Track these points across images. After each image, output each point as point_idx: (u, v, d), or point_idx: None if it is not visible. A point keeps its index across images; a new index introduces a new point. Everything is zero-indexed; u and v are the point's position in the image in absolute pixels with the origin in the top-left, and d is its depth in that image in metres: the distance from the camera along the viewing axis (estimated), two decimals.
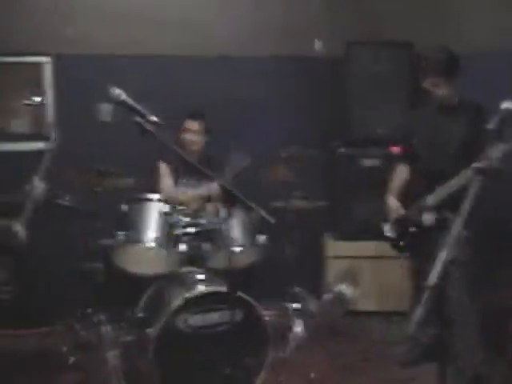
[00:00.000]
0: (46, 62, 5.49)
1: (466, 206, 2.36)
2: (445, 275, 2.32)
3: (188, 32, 5.54)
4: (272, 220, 3.06)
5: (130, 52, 5.43)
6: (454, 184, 3.87)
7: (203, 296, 3.82)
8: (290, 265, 4.68)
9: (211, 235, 4.09)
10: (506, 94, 2.70)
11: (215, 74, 5.56)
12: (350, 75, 5.55)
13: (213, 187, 4.54)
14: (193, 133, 4.81)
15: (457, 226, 2.34)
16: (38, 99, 4.52)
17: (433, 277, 2.21)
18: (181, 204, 4.23)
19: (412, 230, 4.18)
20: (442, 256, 2.27)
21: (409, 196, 4.31)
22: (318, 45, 5.67)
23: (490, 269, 4.52)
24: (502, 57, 4.82)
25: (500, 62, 4.83)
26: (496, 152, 2.60)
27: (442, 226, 3.86)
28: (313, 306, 4.89)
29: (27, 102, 4.49)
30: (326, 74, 5.69)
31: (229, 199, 2.93)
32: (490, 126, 2.55)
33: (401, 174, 4.49)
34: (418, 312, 2.19)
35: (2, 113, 5.50)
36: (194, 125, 4.82)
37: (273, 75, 5.66)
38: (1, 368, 4.25)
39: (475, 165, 2.53)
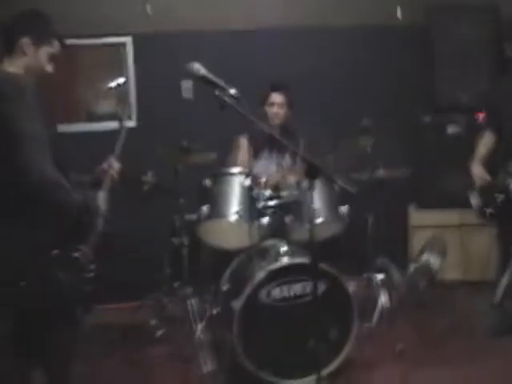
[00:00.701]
0: (127, 42, 5.57)
1: None
2: None
3: (270, 4, 5.53)
4: (353, 190, 3.02)
5: (209, 27, 5.46)
6: None
7: (286, 268, 3.84)
8: (375, 235, 4.64)
9: (293, 207, 4.10)
10: None
11: (296, 46, 5.56)
12: (432, 42, 5.44)
13: (294, 160, 4.54)
14: (276, 105, 4.76)
15: None
16: (121, 80, 4.60)
17: None
18: (263, 178, 4.26)
19: (499, 196, 4.09)
20: None
21: (495, 163, 4.22)
22: (398, 12, 5.56)
23: None
24: None
25: None
26: None
27: None
28: (398, 276, 4.85)
29: (111, 84, 4.58)
30: (408, 42, 5.57)
31: (310, 171, 2.90)
32: None
33: (486, 141, 4.39)
34: (505, 280, 2.13)
35: (87, 94, 5.63)
36: (277, 97, 4.77)
37: (353, 45, 5.60)
38: (97, 341, 4.39)
39: None
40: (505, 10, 5.19)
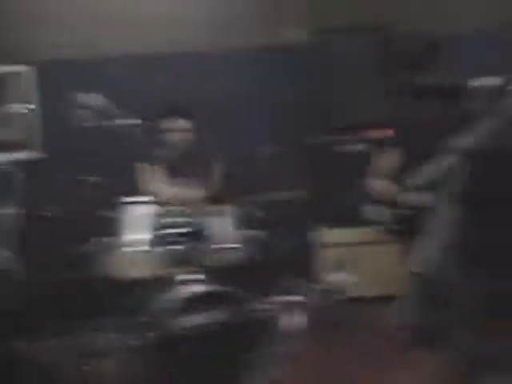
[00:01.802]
0: (28, 70, 5.46)
1: (452, 185, 2.33)
2: (435, 259, 2.29)
3: (162, 29, 5.50)
4: (261, 214, 3.03)
5: (110, 53, 5.38)
6: (441, 164, 3.88)
7: (197, 296, 3.79)
8: (284, 257, 4.66)
9: (201, 234, 4.07)
10: (491, 72, 2.67)
11: (190, 71, 5.55)
12: (330, 62, 5.52)
13: (201, 186, 4.51)
14: (180, 132, 4.72)
15: (445, 207, 2.31)
16: (23, 108, 4.49)
17: (424, 264, 2.18)
18: (169, 204, 4.21)
19: (402, 212, 4.18)
20: (431, 240, 2.23)
21: (398, 179, 4.30)
22: (291, 33, 5.61)
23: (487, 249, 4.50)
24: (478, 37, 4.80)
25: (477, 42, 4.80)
26: (478, 131, 2.58)
27: (430, 206, 3.88)
28: (309, 296, 4.88)
29: (13, 111, 4.46)
30: (306, 63, 5.62)
31: (217, 197, 2.89)
32: (472, 105, 2.53)
33: (386, 157, 4.48)
34: (411, 297, 2.16)
35: None
36: (181, 123, 4.71)
37: (249, 67, 5.62)
38: None
39: (458, 145, 2.51)
40: (401, 30, 5.31)
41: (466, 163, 2.39)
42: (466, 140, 2.48)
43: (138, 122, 2.83)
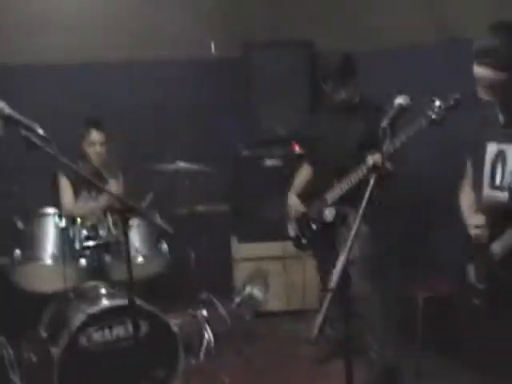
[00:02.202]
0: None
1: (364, 201, 2.36)
2: (346, 274, 2.31)
3: (81, 37, 5.37)
4: (170, 229, 3.01)
5: (21, 61, 5.22)
6: (352, 178, 3.94)
7: (106, 310, 3.73)
8: (198, 270, 4.63)
9: (112, 247, 4.01)
10: (402, 90, 2.72)
11: (110, 82, 5.41)
12: (250, 76, 5.53)
13: (112, 198, 4.44)
14: (95, 144, 4.60)
15: (355, 222, 2.33)
16: None
17: (334, 279, 2.19)
18: (80, 217, 4.12)
19: (313, 227, 4.22)
20: (342, 256, 2.25)
21: (311, 194, 4.34)
22: (213, 47, 5.61)
23: (397, 262, 4.60)
24: (399, 53, 4.89)
25: (398, 59, 4.90)
26: (388, 148, 2.63)
27: (342, 222, 3.93)
28: (223, 310, 4.86)
29: None
30: (227, 76, 5.61)
31: (128, 210, 2.84)
32: (383, 123, 2.57)
33: (302, 172, 4.52)
34: (321, 312, 2.17)
35: None
36: (96, 136, 4.60)
37: (172, 80, 5.55)
38: None
39: (368, 161, 2.55)
40: (319, 45, 5.37)
41: (373, 179, 2.42)
42: (375, 155, 2.52)
43: (46, 134, 2.73)
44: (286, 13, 5.70)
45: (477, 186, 3.01)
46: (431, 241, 4.56)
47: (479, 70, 2.75)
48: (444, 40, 4.31)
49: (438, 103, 2.79)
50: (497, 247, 2.82)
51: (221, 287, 5.11)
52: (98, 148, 4.58)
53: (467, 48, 2.83)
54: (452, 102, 2.80)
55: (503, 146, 2.85)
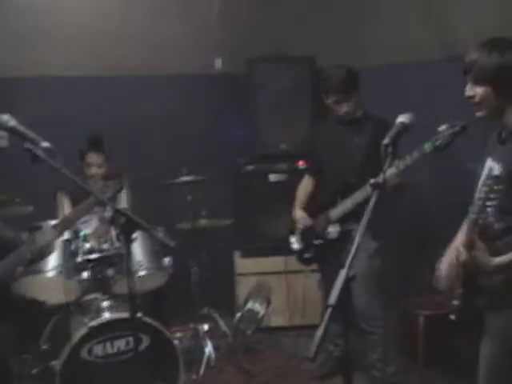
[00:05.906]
0: None
1: (366, 218, 2.36)
2: (347, 290, 2.30)
3: (88, 50, 5.40)
4: (172, 243, 3.01)
5: (27, 74, 5.25)
6: (357, 197, 3.93)
7: (108, 323, 3.73)
8: (200, 285, 4.63)
9: (114, 260, 4.01)
10: (406, 108, 2.72)
11: (115, 94, 5.43)
12: (253, 92, 5.55)
13: (114, 212, 4.43)
14: (94, 166, 4.56)
15: (359, 239, 2.33)
16: None
17: (333, 295, 2.18)
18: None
19: (317, 242, 4.20)
20: (343, 272, 2.24)
21: (315, 208, 4.34)
22: (217, 63, 5.64)
23: (400, 278, 4.60)
24: (402, 69, 4.90)
25: (401, 75, 4.91)
26: (391, 167, 2.64)
27: (347, 238, 3.91)
28: (224, 325, 4.86)
29: None
30: (230, 92, 5.63)
31: (131, 224, 2.85)
32: (385, 141, 2.57)
33: (306, 186, 4.52)
34: (320, 328, 2.16)
35: None
36: (93, 157, 4.56)
37: (176, 94, 5.57)
38: None
39: (371, 180, 2.54)
40: (320, 61, 5.39)
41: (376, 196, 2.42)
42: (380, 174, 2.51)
43: (51, 147, 2.75)
44: (288, 29, 5.73)
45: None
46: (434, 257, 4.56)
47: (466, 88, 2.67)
48: (449, 57, 4.32)
49: (443, 127, 2.75)
50: None
51: (223, 301, 5.12)
52: (94, 170, 4.55)
53: None
54: (458, 128, 2.73)
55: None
